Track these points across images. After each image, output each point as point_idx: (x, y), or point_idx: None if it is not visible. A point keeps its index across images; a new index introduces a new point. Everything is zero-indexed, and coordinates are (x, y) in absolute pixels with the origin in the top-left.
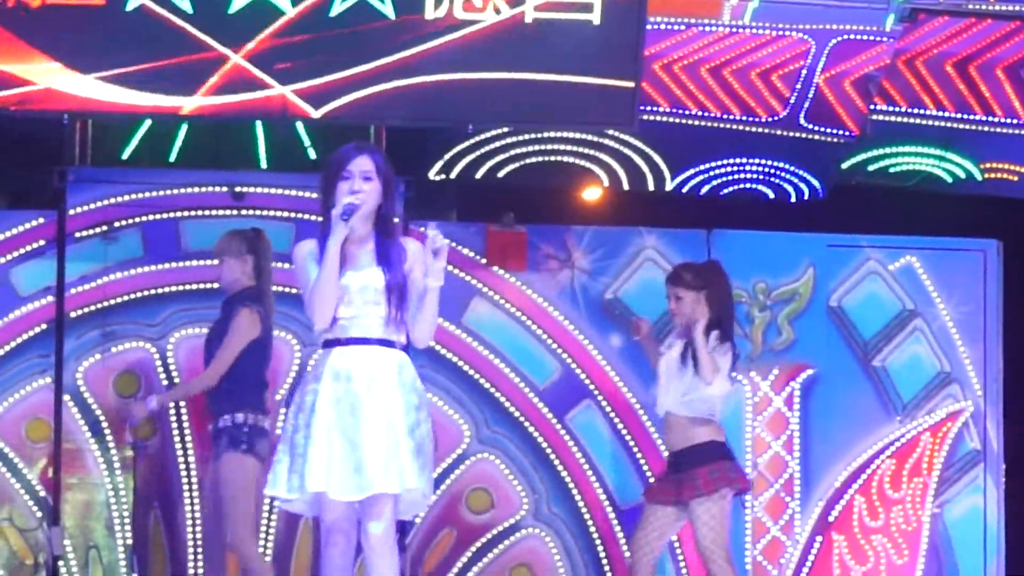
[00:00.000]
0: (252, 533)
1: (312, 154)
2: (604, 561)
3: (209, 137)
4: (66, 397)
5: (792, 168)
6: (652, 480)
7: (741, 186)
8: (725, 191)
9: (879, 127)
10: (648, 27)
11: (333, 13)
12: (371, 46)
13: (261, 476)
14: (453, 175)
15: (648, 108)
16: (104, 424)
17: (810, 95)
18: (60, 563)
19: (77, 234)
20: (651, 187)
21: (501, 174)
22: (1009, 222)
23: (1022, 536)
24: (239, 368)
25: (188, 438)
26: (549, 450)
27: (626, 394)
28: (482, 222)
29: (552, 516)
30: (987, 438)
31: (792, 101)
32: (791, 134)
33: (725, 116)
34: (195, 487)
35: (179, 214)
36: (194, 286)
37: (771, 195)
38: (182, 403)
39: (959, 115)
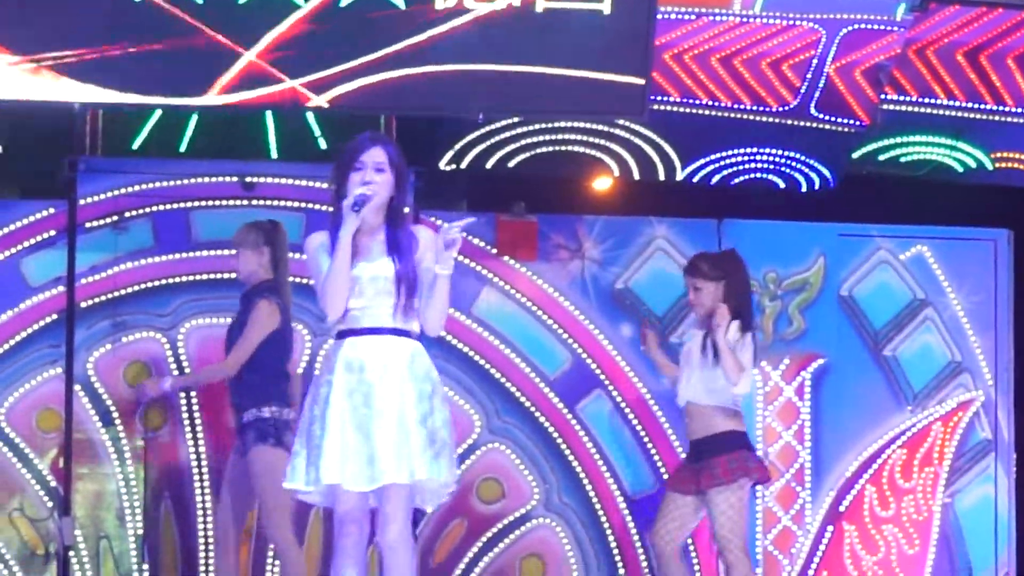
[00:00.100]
0: (288, 522)
1: (323, 144)
2: (615, 551)
3: (219, 127)
4: (77, 387)
5: (803, 158)
6: (672, 469)
7: (752, 176)
8: (736, 181)
9: (890, 117)
10: (659, 17)
11: (343, 3)
12: (380, 34)
13: None
14: (463, 165)
15: (659, 98)
16: (115, 414)
17: (821, 85)
18: (71, 553)
19: (88, 224)
20: (662, 177)
21: (511, 164)
22: (1020, 211)
23: None
24: (260, 361)
25: (199, 429)
26: (560, 440)
27: (636, 384)
28: (492, 212)
29: (563, 506)
30: (998, 427)
31: (803, 91)
32: (802, 124)
33: (736, 106)
34: (206, 477)
35: (189, 204)
36: (205, 276)
37: (782, 185)
38: (193, 394)
39: (970, 104)
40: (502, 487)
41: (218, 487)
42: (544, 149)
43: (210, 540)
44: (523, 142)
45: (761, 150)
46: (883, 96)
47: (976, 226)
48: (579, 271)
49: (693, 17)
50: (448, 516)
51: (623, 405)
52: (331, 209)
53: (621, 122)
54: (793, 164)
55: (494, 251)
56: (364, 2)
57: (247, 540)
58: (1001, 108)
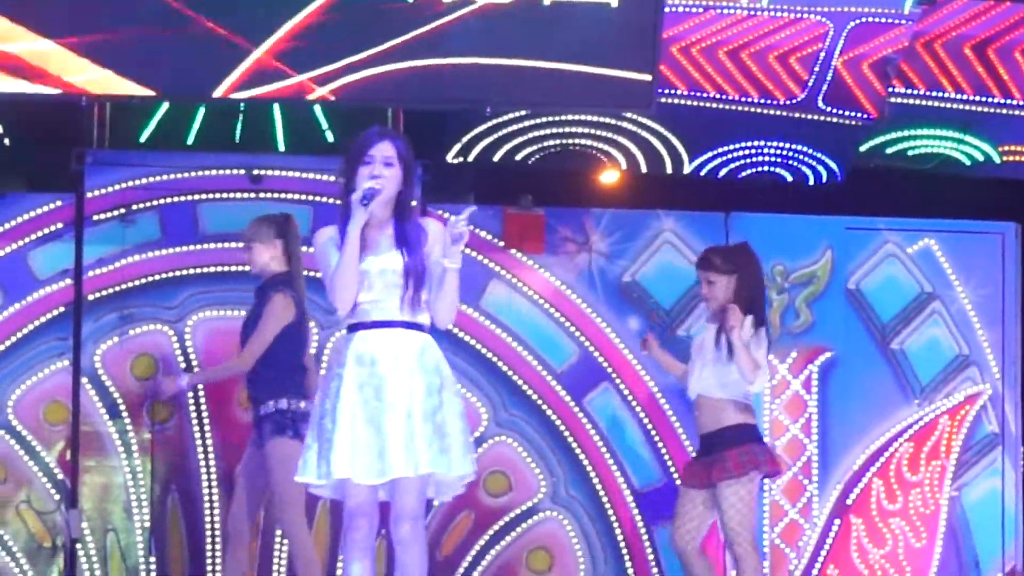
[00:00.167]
0: (302, 515)
1: (330, 137)
2: (622, 544)
3: (227, 120)
4: (84, 380)
5: (810, 151)
6: (681, 464)
7: (759, 169)
8: (743, 174)
9: (897, 110)
10: (666, 10)
11: None
12: (388, 26)
13: None
14: (471, 158)
15: (666, 91)
16: (122, 407)
17: (828, 78)
18: (78, 546)
19: (95, 217)
20: (669, 170)
21: (519, 157)
22: None
23: None
24: (276, 354)
25: (206, 421)
26: (567, 433)
27: (644, 377)
28: (500, 205)
29: (570, 499)
30: (1005, 421)
31: (810, 84)
32: (809, 117)
33: (743, 99)
34: (213, 470)
35: (197, 197)
36: (212, 269)
37: (789, 178)
38: (200, 386)
39: (977, 98)
40: (509, 480)
41: (225, 479)
42: (551, 142)
43: (217, 533)
44: (530, 135)
45: (768, 143)
46: (891, 89)
47: (983, 219)
48: (586, 264)
49: (700, 10)
50: (455, 509)
51: (630, 398)
52: (339, 202)
53: (628, 115)
54: (800, 157)
55: (501, 244)
56: None
57: (255, 536)
58: (1009, 101)
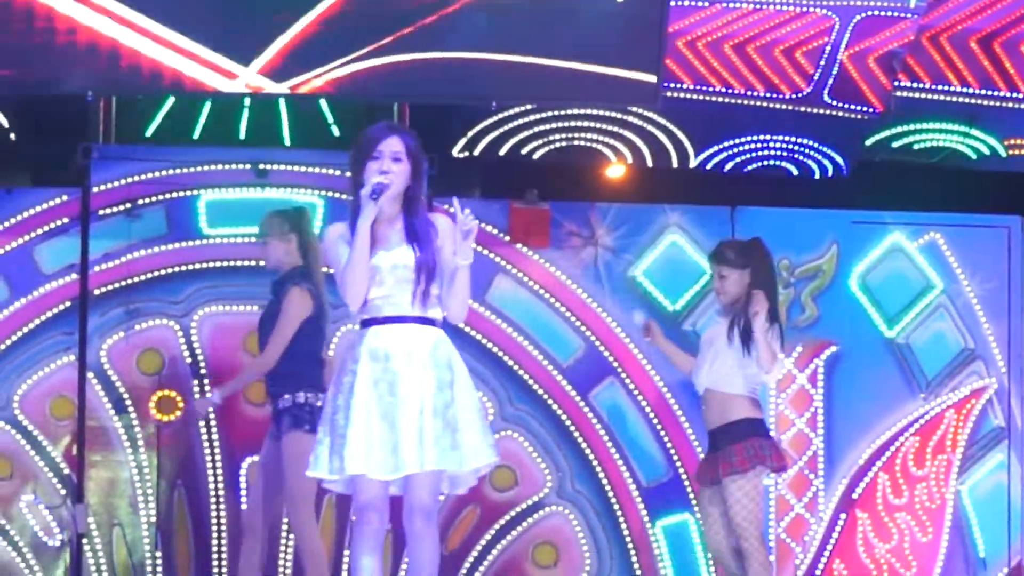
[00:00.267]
0: (312, 512)
1: (336, 131)
2: (628, 539)
3: (232, 115)
4: (90, 375)
5: (816, 145)
6: (686, 459)
7: (765, 163)
8: (749, 168)
9: (903, 104)
10: (672, 4)
11: None
12: (391, 20)
13: None
14: (477, 152)
15: (672, 85)
16: (128, 402)
17: (834, 72)
18: (84, 540)
19: (101, 211)
20: (675, 164)
21: (525, 151)
22: None
23: None
24: (295, 347)
25: (212, 415)
26: (573, 427)
27: (649, 371)
28: (506, 199)
29: (576, 494)
30: (1011, 415)
31: (816, 78)
32: (815, 111)
33: (749, 93)
34: (219, 465)
35: (203, 191)
36: (218, 263)
37: (795, 172)
38: (206, 381)
39: (983, 91)
40: (515, 475)
41: (231, 475)
42: (557, 136)
43: (223, 527)
44: (536, 129)
45: (774, 137)
46: (896, 83)
47: (989, 213)
48: (592, 258)
49: (706, 4)
50: (461, 503)
51: (636, 393)
52: (347, 197)
53: (634, 109)
54: (806, 151)
55: (507, 238)
56: None
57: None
58: (1014, 95)
